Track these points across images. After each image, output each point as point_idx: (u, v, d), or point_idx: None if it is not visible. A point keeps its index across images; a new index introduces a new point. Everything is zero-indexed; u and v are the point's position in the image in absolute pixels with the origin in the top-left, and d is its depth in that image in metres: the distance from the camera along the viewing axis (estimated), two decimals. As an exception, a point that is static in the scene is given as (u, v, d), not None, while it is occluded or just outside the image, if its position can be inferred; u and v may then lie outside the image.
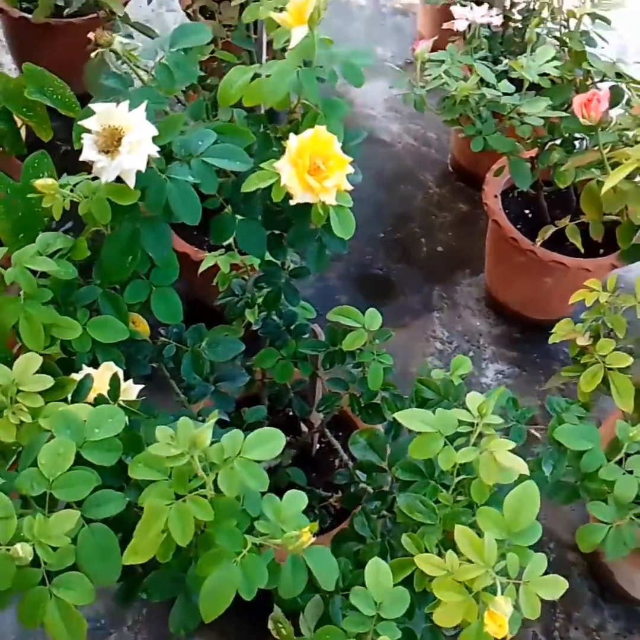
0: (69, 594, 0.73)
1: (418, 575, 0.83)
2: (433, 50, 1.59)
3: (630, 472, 0.99)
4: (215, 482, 0.73)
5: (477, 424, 0.85)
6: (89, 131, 0.85)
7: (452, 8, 1.65)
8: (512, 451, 0.85)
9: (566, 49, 1.60)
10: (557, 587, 0.77)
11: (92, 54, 0.88)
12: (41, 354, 0.94)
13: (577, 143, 1.64)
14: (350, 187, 0.90)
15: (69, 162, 1.02)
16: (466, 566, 0.75)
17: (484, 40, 1.64)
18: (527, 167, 1.61)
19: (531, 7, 1.81)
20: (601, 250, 1.74)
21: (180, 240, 1.62)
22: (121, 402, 0.91)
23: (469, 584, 0.75)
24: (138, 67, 0.97)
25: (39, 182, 0.89)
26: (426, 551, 0.84)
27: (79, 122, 0.85)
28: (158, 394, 1.15)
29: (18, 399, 0.81)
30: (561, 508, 1.60)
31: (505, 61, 1.58)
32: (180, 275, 1.76)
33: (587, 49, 1.57)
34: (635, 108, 1.42)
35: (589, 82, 1.60)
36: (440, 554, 0.82)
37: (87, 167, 0.90)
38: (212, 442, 0.76)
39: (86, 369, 0.93)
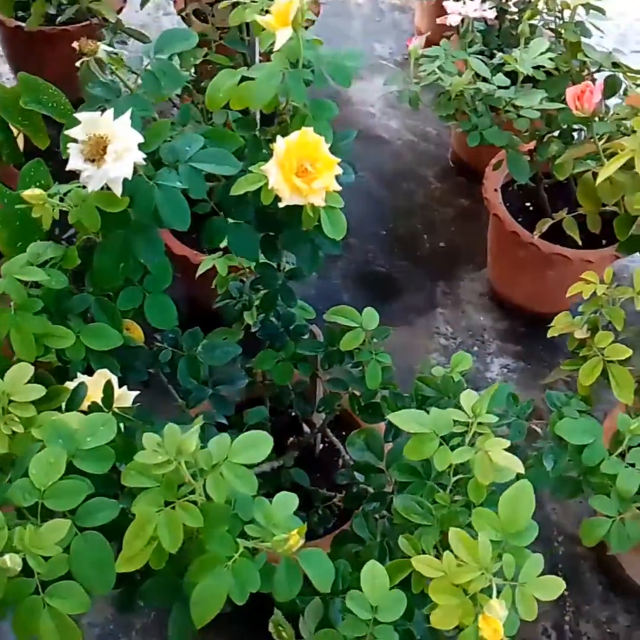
0: (63, 604, 0.73)
1: (415, 576, 0.83)
2: (430, 45, 1.58)
3: (632, 465, 0.98)
4: (205, 487, 0.73)
5: (471, 424, 0.84)
6: (75, 140, 0.84)
7: (445, 3, 1.64)
8: (509, 449, 0.84)
9: (561, 40, 1.59)
10: (554, 587, 0.76)
11: (77, 63, 0.88)
12: (39, 363, 0.95)
13: (575, 134, 1.63)
14: (339, 188, 0.89)
15: (65, 170, 1.02)
16: (461, 568, 0.75)
17: (478, 35, 1.63)
18: (525, 160, 1.59)
19: (527, -1, 1.81)
20: (604, 242, 1.73)
21: (179, 243, 1.62)
22: (115, 410, 0.91)
23: (465, 586, 0.75)
24: (132, 72, 0.97)
25: (26, 193, 0.89)
26: (423, 553, 0.83)
27: (65, 132, 0.85)
28: (158, 399, 1.16)
29: (10, 409, 0.81)
30: (569, 502, 1.59)
31: (500, 55, 1.57)
32: (180, 279, 1.77)
33: (583, 39, 1.56)
34: (631, 98, 1.41)
35: (585, 73, 1.59)
36: (438, 555, 0.82)
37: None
38: (202, 447, 0.76)
39: (81, 377, 0.93)
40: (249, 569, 0.72)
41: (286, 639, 0.90)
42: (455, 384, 1.09)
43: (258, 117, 1.08)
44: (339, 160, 0.88)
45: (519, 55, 1.46)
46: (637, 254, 1.43)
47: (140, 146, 0.86)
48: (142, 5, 1.75)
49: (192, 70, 1.44)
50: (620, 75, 1.52)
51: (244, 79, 0.93)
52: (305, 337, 1.21)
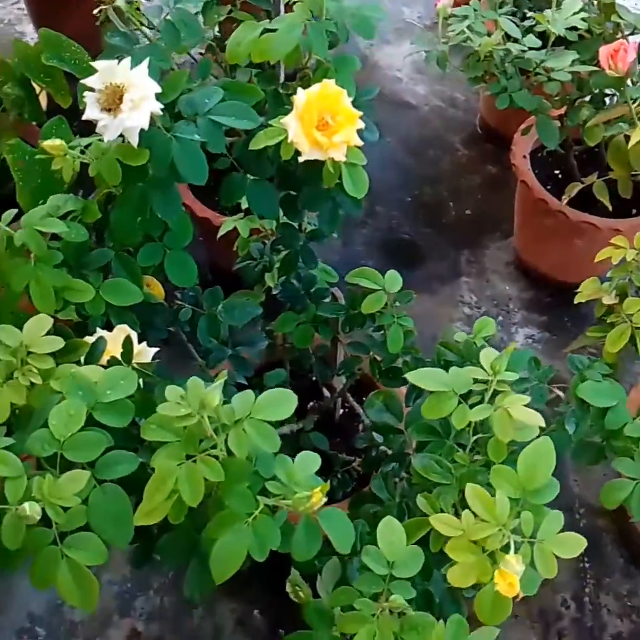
0: (80, 555, 0.73)
1: (434, 535, 0.82)
2: (459, 6, 1.55)
3: (656, 428, 0.96)
4: (226, 443, 0.72)
5: (491, 381, 0.83)
6: (91, 89, 0.83)
7: (475, -38, 1.60)
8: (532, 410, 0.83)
9: (595, 1, 1.55)
10: (574, 545, 0.75)
11: (95, 11, 0.87)
12: (59, 319, 0.95)
13: (607, 100, 1.59)
14: (360, 143, 0.87)
15: (89, 129, 1.01)
16: (478, 525, 0.74)
17: (509, -6, 1.59)
18: (555, 125, 1.56)
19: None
20: (634, 210, 1.70)
21: (200, 205, 1.61)
22: (135, 365, 0.90)
23: (482, 543, 0.74)
24: (151, 25, 0.95)
25: (46, 143, 0.88)
26: (442, 511, 0.82)
27: (81, 81, 0.84)
28: (178, 358, 1.15)
29: (28, 361, 0.81)
30: (592, 473, 1.57)
31: (531, 15, 1.54)
32: (202, 242, 1.77)
33: (617, 1, 1.52)
34: (665, 60, 1.37)
35: (618, 36, 1.54)
36: (456, 515, 0.81)
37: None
38: (225, 403, 0.75)
39: (100, 332, 0.93)
40: (269, 526, 0.72)
41: (303, 599, 0.89)
42: (478, 349, 1.08)
43: (282, 74, 1.06)
44: (360, 114, 0.86)
45: (550, 16, 1.42)
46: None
47: (158, 97, 0.84)
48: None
49: (216, 28, 1.42)
50: (655, 38, 1.48)
51: (265, 31, 0.92)
52: (327, 300, 1.20)
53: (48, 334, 0.85)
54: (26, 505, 0.69)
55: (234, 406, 0.75)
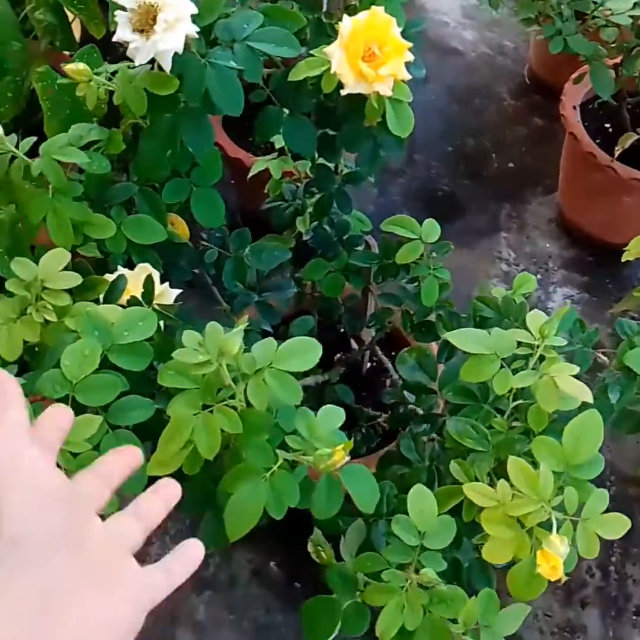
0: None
1: (467, 504, 0.77)
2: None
3: None
4: (245, 393, 0.68)
5: (537, 346, 0.77)
6: (123, 8, 0.77)
7: None
8: (576, 377, 0.77)
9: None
10: (619, 525, 0.70)
11: None
12: (80, 254, 0.90)
13: (668, 49, 1.49)
14: (408, 77, 0.80)
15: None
16: (519, 500, 0.68)
17: None
18: (610, 74, 1.47)
19: None
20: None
21: (233, 145, 1.55)
22: (156, 306, 0.85)
23: (522, 519, 0.69)
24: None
25: (69, 67, 0.82)
26: (476, 480, 0.77)
27: (113, -1, 0.77)
28: (202, 302, 1.10)
29: (43, 296, 0.76)
30: (625, 441, 1.52)
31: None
32: (233, 184, 1.71)
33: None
34: None
35: (686, -21, 1.44)
36: (491, 484, 0.76)
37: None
38: (246, 351, 0.70)
39: (121, 270, 0.88)
40: (288, 482, 0.67)
41: (325, 560, 0.85)
42: (518, 306, 1.01)
43: (325, 2, 0.99)
44: (410, 45, 0.79)
45: (614, -47, 1.33)
46: None
47: (194, 19, 0.78)
48: None
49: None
50: None
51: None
52: (360, 248, 1.14)
53: (66, 269, 0.80)
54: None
55: (254, 354, 0.69)
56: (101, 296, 0.84)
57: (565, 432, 0.71)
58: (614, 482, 1.51)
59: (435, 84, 2.13)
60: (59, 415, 0.56)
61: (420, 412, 0.95)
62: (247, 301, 1.01)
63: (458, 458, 0.79)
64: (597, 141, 1.67)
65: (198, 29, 0.78)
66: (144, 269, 0.87)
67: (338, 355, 1.31)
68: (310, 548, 0.86)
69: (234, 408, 0.68)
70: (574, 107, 1.69)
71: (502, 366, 0.78)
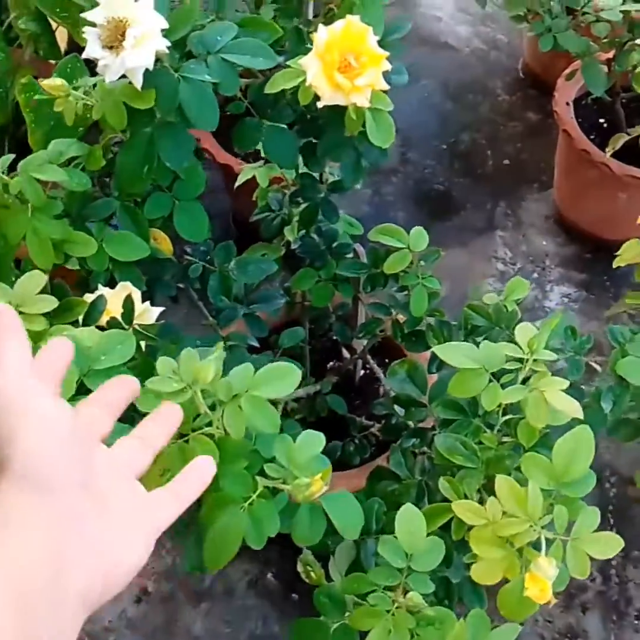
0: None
1: (456, 522, 0.75)
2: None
3: (701, 410, 0.88)
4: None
5: (527, 360, 0.75)
6: (93, 24, 0.75)
7: None
8: (570, 385, 0.75)
9: None
10: (611, 544, 0.68)
11: None
12: (66, 271, 0.88)
13: (661, 43, 1.47)
14: (386, 87, 0.79)
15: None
16: (507, 520, 0.67)
17: None
18: (602, 70, 1.45)
19: None
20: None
21: (222, 151, 1.53)
22: (136, 326, 0.84)
23: (510, 539, 0.67)
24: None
25: (46, 82, 0.81)
26: (466, 497, 0.76)
27: (82, 14, 0.75)
28: (190, 316, 1.09)
29: (19, 322, 0.75)
30: (625, 442, 1.50)
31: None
32: (225, 190, 1.69)
33: None
34: None
35: (678, -29, 1.42)
36: (481, 501, 0.74)
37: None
38: (225, 373, 0.68)
39: (102, 289, 0.86)
40: (268, 511, 0.65)
41: (315, 580, 0.84)
42: (509, 314, 1.00)
43: (311, 10, 0.97)
44: (387, 54, 0.77)
45: (603, -53, 1.30)
46: None
47: (166, 33, 0.76)
48: None
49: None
50: None
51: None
52: (349, 256, 1.12)
53: (44, 290, 0.79)
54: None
55: (231, 380, 0.67)
56: (80, 317, 0.82)
57: (555, 449, 0.69)
58: (613, 484, 1.49)
59: (429, 80, 2.11)
60: (61, 346, 0.57)
61: (411, 425, 0.94)
62: (234, 315, 0.99)
63: (447, 474, 0.77)
64: (592, 137, 1.65)
65: (169, 44, 0.76)
66: (124, 288, 0.85)
67: (331, 363, 1.30)
68: (299, 568, 0.85)
69: (212, 435, 0.66)
70: (567, 103, 1.67)
71: (490, 381, 0.76)
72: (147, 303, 0.87)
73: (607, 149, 1.52)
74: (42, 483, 0.46)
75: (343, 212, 1.18)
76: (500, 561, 0.68)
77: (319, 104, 0.77)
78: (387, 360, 1.27)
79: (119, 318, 0.82)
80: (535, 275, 1.77)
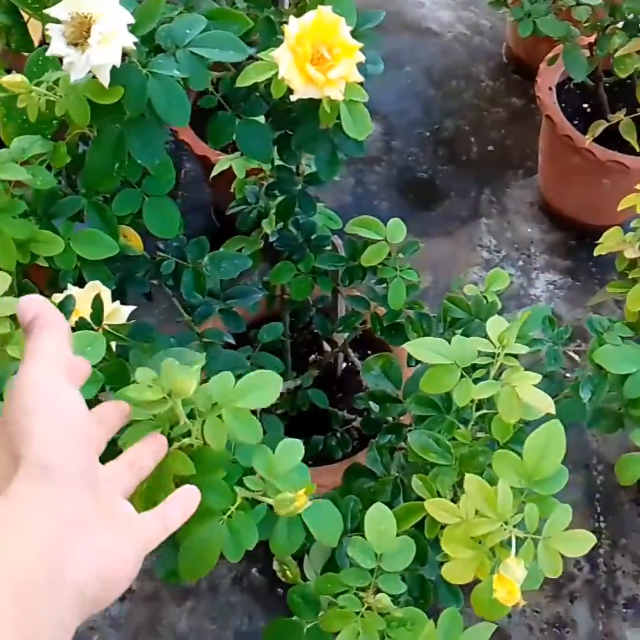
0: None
1: (429, 521, 0.74)
2: None
3: (681, 398, 0.87)
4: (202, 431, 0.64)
5: (498, 355, 0.74)
6: (57, 21, 0.73)
7: None
8: (543, 379, 0.74)
9: None
10: (583, 542, 0.67)
11: None
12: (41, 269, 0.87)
13: (642, 26, 1.45)
14: (361, 79, 0.77)
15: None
16: (478, 520, 0.66)
17: None
18: (583, 54, 1.44)
19: None
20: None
21: (200, 143, 1.51)
22: (106, 327, 0.82)
23: (481, 538, 0.66)
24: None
25: (5, 79, 0.79)
26: (439, 495, 0.75)
27: (45, 11, 0.74)
28: (163, 314, 1.08)
29: (-18, 325, 0.73)
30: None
31: None
32: (204, 181, 1.67)
33: None
34: None
35: (659, -46, 1.40)
36: (455, 498, 0.73)
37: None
38: (205, 380, 0.67)
39: (71, 289, 0.85)
40: (247, 524, 0.64)
41: (291, 579, 0.83)
42: (489, 305, 0.99)
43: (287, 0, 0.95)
44: (360, 45, 0.75)
45: None
46: None
47: (133, 28, 0.74)
48: None
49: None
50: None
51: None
52: (328, 248, 1.11)
53: (10, 292, 0.77)
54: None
55: (211, 390, 0.65)
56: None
57: (525, 445, 0.68)
58: (600, 471, 1.49)
59: (411, 67, 2.09)
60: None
61: (390, 420, 0.93)
62: (209, 312, 0.98)
63: (421, 472, 0.77)
64: (575, 122, 1.64)
65: (136, 40, 0.74)
66: (94, 288, 0.84)
67: (313, 356, 1.29)
68: (275, 566, 0.84)
69: (191, 445, 0.65)
70: (550, 88, 1.66)
71: (462, 376, 0.75)
72: (117, 302, 0.85)
73: (587, 137, 1.50)
74: (53, 473, 0.47)
75: (326, 202, 1.17)
76: (471, 561, 0.67)
77: (292, 98, 0.75)
78: (369, 353, 1.26)
79: (88, 318, 0.81)
80: (521, 262, 1.76)
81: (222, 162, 1.17)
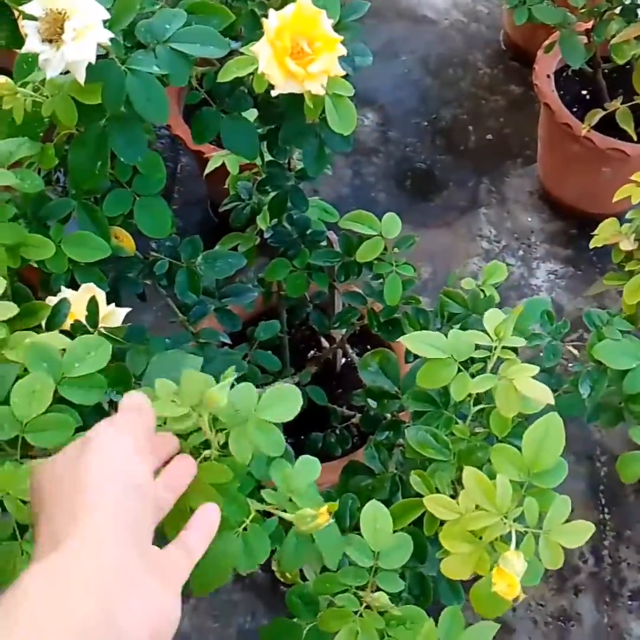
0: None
1: (428, 517, 0.73)
2: None
3: (681, 393, 0.86)
4: (219, 442, 0.62)
5: (495, 348, 0.73)
6: (32, 18, 0.72)
7: None
8: (542, 373, 0.73)
9: None
10: (582, 532, 0.66)
11: None
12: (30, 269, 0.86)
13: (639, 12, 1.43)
14: (342, 72, 0.76)
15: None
16: (476, 514, 0.65)
17: None
18: (580, 41, 1.42)
19: None
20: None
21: (193, 139, 1.50)
22: (101, 330, 0.81)
23: (480, 533, 0.65)
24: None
25: (-13, 81, 0.78)
26: (438, 491, 0.74)
27: (20, 7, 0.73)
28: (160, 313, 1.07)
29: (-24, 330, 0.72)
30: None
31: None
32: (200, 176, 1.66)
33: None
34: None
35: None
36: (454, 494, 0.72)
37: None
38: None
39: (65, 292, 0.84)
40: (261, 537, 0.63)
41: (290, 579, 0.82)
42: (486, 300, 0.98)
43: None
44: (341, 38, 0.74)
45: None
46: None
47: (109, 24, 0.73)
48: None
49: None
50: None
51: None
52: (323, 244, 1.10)
53: (4, 294, 0.76)
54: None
55: (235, 403, 0.62)
56: (43, 322, 0.80)
57: (525, 439, 0.67)
58: (604, 462, 1.48)
59: (407, 55, 2.07)
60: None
61: (388, 416, 0.92)
62: (203, 311, 0.97)
63: (419, 468, 0.76)
64: (574, 110, 1.62)
65: (112, 36, 0.73)
66: (88, 290, 0.83)
67: (311, 353, 1.28)
68: (274, 567, 0.83)
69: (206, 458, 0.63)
70: (548, 76, 1.64)
71: (459, 370, 0.74)
72: (113, 305, 0.84)
73: (583, 125, 1.49)
74: (103, 522, 0.49)
75: (322, 195, 1.16)
76: (469, 556, 0.66)
77: (273, 93, 0.74)
78: (369, 348, 1.25)
79: (83, 321, 0.80)
80: (521, 252, 1.74)
81: (215, 159, 1.16)
